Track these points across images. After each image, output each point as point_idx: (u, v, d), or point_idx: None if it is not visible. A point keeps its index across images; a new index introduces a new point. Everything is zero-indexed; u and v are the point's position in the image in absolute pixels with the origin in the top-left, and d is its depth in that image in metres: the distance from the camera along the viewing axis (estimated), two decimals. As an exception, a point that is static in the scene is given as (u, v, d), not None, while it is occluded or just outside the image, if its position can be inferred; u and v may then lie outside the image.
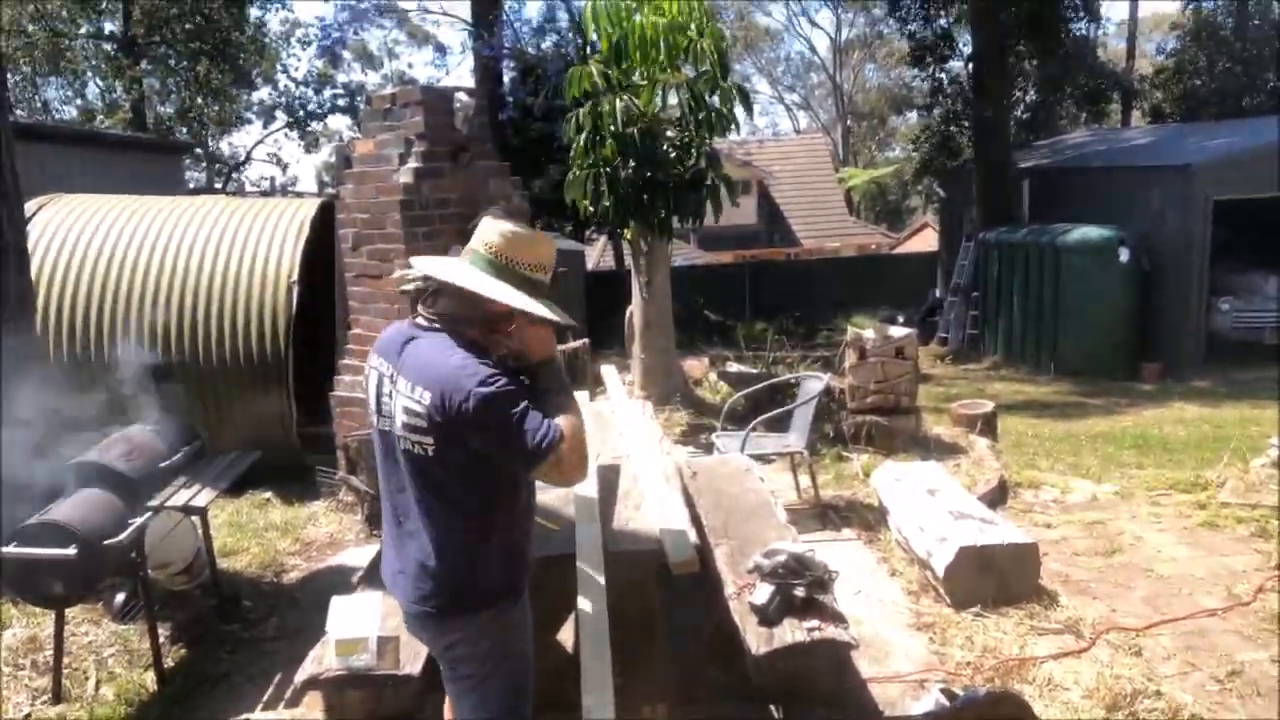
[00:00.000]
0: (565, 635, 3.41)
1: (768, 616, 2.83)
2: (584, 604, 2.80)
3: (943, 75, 20.36)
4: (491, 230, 2.31)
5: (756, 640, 2.77)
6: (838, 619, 2.90)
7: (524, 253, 2.30)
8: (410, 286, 6.10)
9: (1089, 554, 5.09)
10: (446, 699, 2.66)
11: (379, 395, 2.34)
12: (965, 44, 20.00)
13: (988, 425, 7.49)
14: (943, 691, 2.93)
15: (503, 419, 2.15)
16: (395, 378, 2.28)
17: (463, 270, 2.30)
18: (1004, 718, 2.58)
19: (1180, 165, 13.62)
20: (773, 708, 2.77)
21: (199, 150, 25.48)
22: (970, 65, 18.98)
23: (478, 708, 2.41)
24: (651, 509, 3.58)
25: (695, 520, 3.69)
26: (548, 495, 3.20)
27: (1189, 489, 6.16)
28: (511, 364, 2.32)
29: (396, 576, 2.40)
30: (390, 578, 2.43)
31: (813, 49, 41.90)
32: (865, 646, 3.79)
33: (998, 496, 5.98)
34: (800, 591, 2.91)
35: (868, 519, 5.59)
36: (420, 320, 2.34)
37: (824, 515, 5.70)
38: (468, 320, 2.29)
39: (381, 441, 2.37)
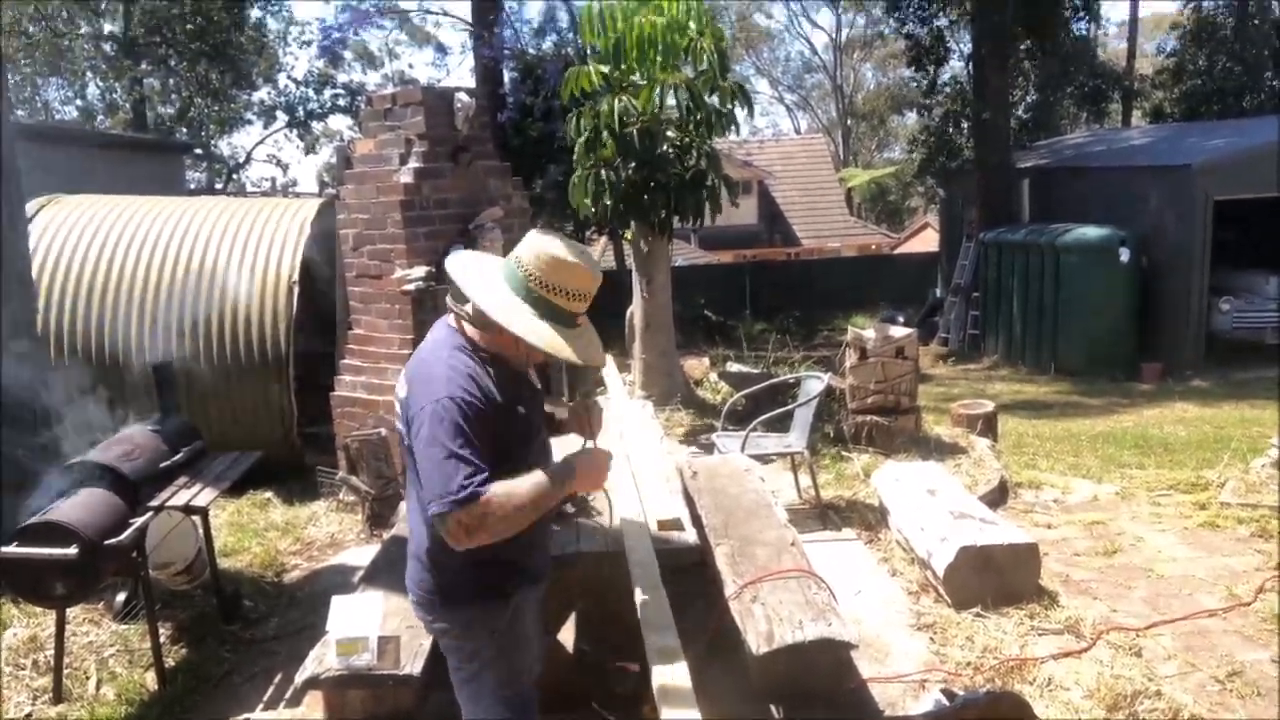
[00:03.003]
0: (565, 636, 3.41)
1: None
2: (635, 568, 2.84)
3: (940, 76, 20.36)
4: (533, 249, 2.21)
5: (757, 640, 2.77)
6: (838, 619, 2.90)
7: (554, 274, 2.18)
8: (411, 286, 6.14)
9: (1089, 554, 5.09)
10: None
11: None
12: (965, 44, 20.02)
13: (988, 425, 7.49)
14: (943, 691, 2.93)
15: (433, 441, 2.07)
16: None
17: (480, 276, 2.24)
18: (1004, 718, 2.58)
19: (1180, 165, 13.63)
20: (773, 707, 2.77)
21: (199, 151, 25.48)
22: (970, 65, 18.98)
23: (469, 703, 2.42)
24: (651, 504, 3.59)
25: (695, 520, 3.69)
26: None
27: (1189, 489, 6.16)
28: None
29: (408, 556, 2.43)
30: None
31: (813, 49, 41.90)
32: (866, 646, 3.79)
33: (998, 497, 5.98)
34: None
35: (868, 519, 5.59)
36: (449, 316, 2.32)
37: (824, 515, 5.70)
38: (485, 326, 2.23)
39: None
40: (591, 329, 2.31)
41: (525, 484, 2.12)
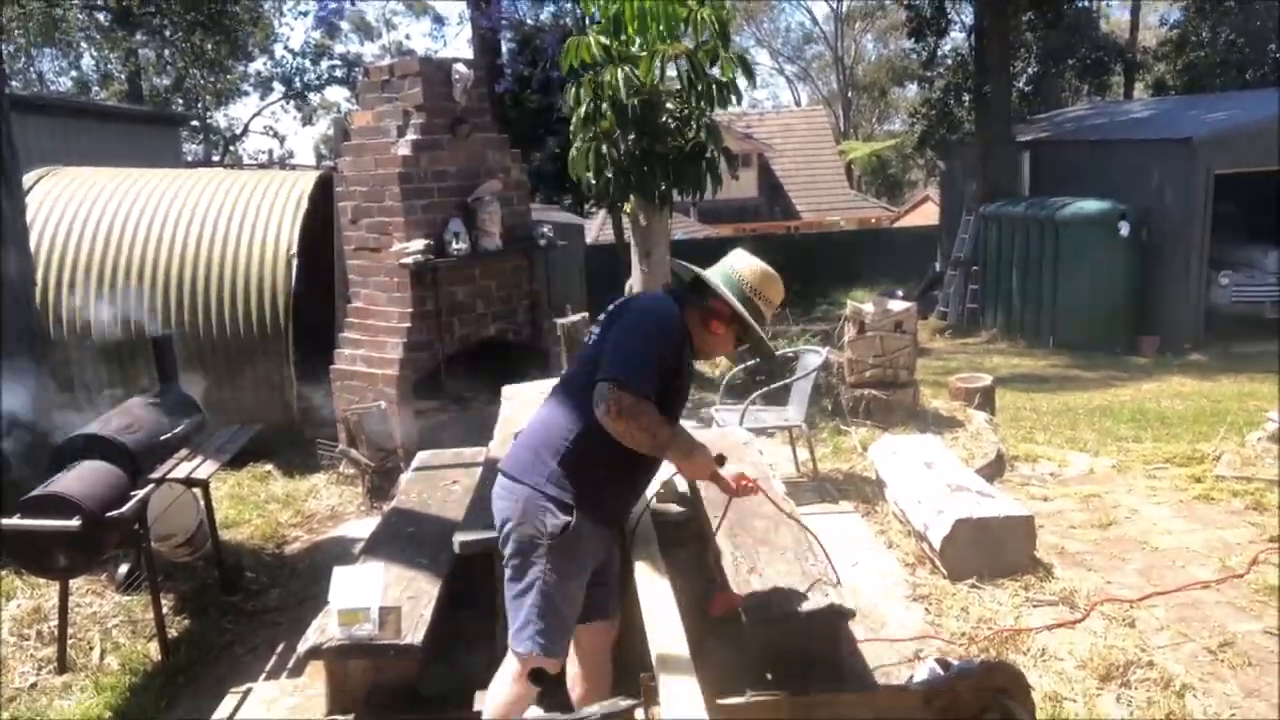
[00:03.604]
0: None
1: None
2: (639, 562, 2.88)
3: (942, 48, 20.23)
4: (745, 263, 2.68)
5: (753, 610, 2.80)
6: (835, 589, 2.93)
7: (760, 281, 2.66)
8: (410, 259, 6.14)
9: (1085, 526, 5.12)
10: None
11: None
12: (966, 15, 19.85)
13: (986, 399, 7.51)
14: (938, 661, 2.97)
15: (643, 338, 2.48)
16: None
17: (706, 274, 2.66)
18: (998, 687, 2.61)
19: (1182, 139, 13.57)
20: (769, 676, 2.80)
21: (196, 123, 25.32)
22: (971, 37, 18.85)
23: (510, 605, 2.56)
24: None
25: (694, 492, 3.71)
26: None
27: (1185, 462, 6.19)
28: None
29: (516, 445, 2.69)
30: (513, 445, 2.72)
31: (813, 20, 41.56)
32: (862, 617, 3.82)
33: (995, 470, 6.01)
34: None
35: (865, 492, 5.62)
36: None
37: (822, 488, 5.73)
38: (693, 305, 2.62)
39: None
40: None
41: (670, 427, 2.51)
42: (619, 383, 2.35)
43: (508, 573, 2.58)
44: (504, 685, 2.58)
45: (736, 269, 2.68)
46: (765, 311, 2.68)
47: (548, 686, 2.58)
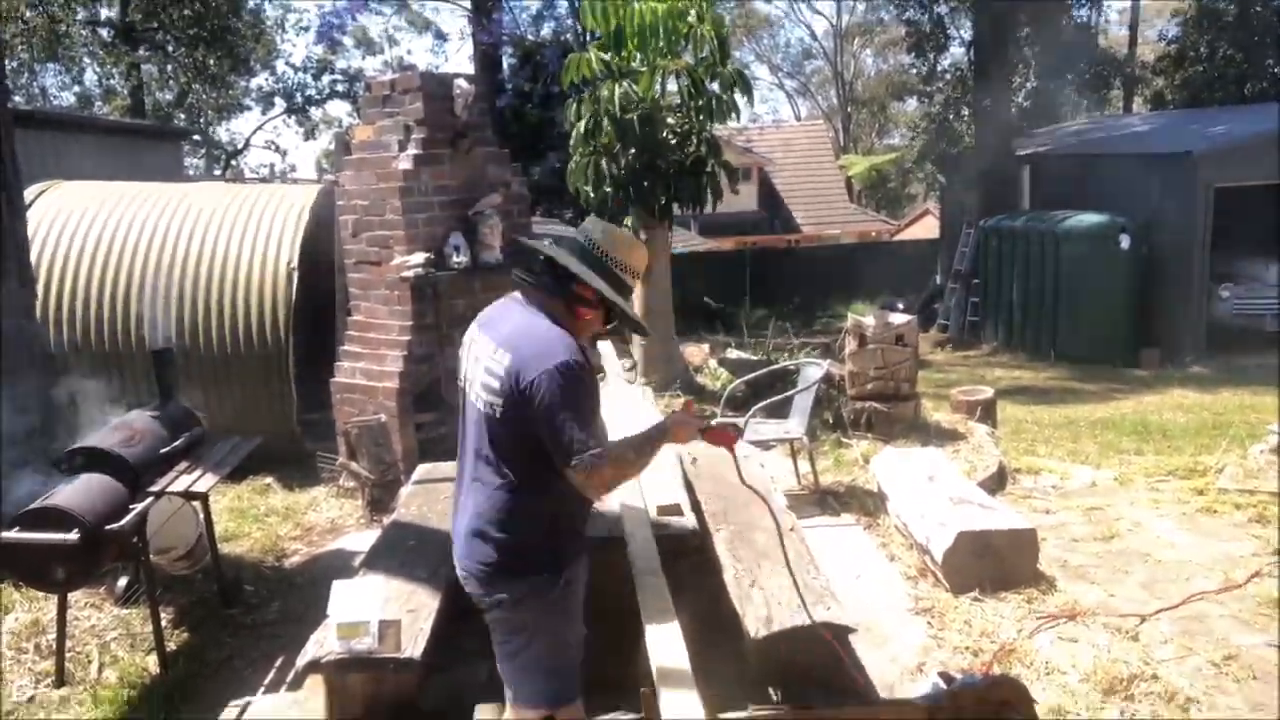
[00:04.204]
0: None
1: None
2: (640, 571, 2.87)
3: (941, 62, 20.31)
4: (594, 226, 2.51)
5: (756, 624, 2.79)
6: (837, 603, 2.92)
7: (618, 250, 2.46)
8: (410, 273, 6.14)
9: (1087, 539, 5.10)
10: None
11: (463, 358, 2.51)
12: (965, 30, 19.94)
13: (987, 412, 7.50)
14: (941, 675, 2.95)
15: (563, 403, 2.24)
16: (479, 340, 2.43)
17: (561, 253, 2.44)
18: (1001, 701, 2.60)
19: (1181, 152, 13.59)
20: (771, 690, 2.79)
21: (197, 137, 25.40)
22: (970, 51, 18.93)
23: (513, 680, 2.50)
24: (650, 491, 3.60)
25: (695, 506, 3.70)
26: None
27: (1188, 475, 6.17)
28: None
29: (456, 533, 2.51)
30: (454, 533, 2.54)
31: (813, 35, 41.72)
32: (864, 631, 3.80)
33: (997, 482, 6.00)
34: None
35: (867, 505, 5.60)
36: (516, 296, 2.48)
37: (823, 501, 5.71)
38: (553, 299, 2.41)
39: (462, 402, 2.51)
40: None
41: (634, 440, 2.43)
42: (582, 467, 2.24)
43: (497, 638, 2.50)
44: None
45: (593, 238, 2.46)
46: (629, 281, 2.49)
47: None
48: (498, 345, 2.35)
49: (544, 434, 2.27)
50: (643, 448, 2.42)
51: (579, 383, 2.27)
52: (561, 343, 2.30)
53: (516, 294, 2.49)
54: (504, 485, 2.37)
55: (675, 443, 2.55)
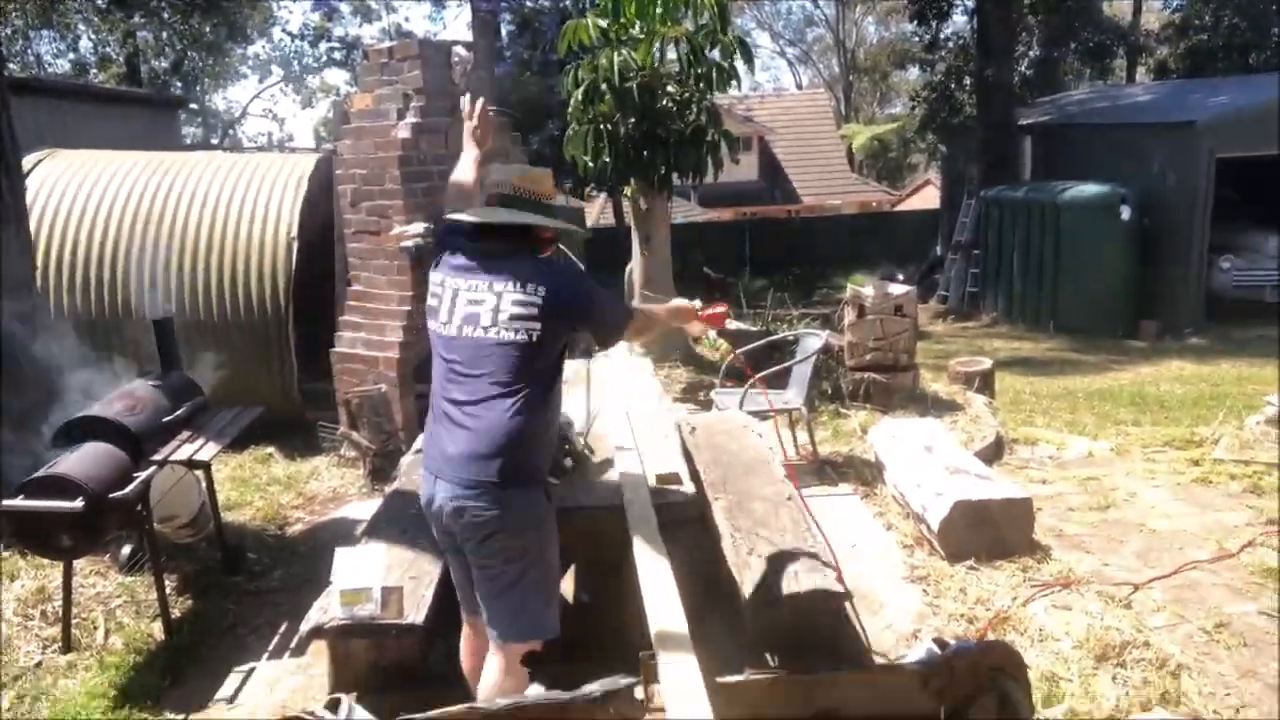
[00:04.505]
0: (565, 587, 3.46)
1: None
2: (640, 555, 2.90)
3: (943, 31, 20.12)
4: (506, 174, 2.81)
5: (752, 590, 2.82)
6: (834, 571, 2.95)
7: (537, 186, 2.79)
8: (410, 242, 6.13)
9: (1083, 509, 5.14)
10: (462, 640, 2.85)
11: (453, 305, 2.67)
12: (968, -2, 19.71)
13: (985, 382, 7.52)
14: (935, 641, 2.99)
15: (606, 303, 2.78)
16: (490, 285, 2.64)
17: (507, 214, 2.73)
18: (994, 666, 2.64)
19: (1184, 122, 13.53)
20: (768, 655, 2.83)
21: (194, 106, 25.22)
22: (973, 20, 18.75)
23: (508, 613, 2.58)
24: (650, 460, 3.63)
25: (694, 475, 3.73)
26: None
27: (1184, 446, 6.21)
28: None
29: (448, 463, 2.61)
30: (439, 466, 2.64)
31: (815, 2, 41.25)
32: (860, 598, 3.85)
33: (994, 453, 6.03)
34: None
35: (865, 474, 5.64)
36: (482, 248, 2.71)
37: (821, 471, 5.74)
38: (523, 242, 2.73)
39: (445, 345, 2.69)
40: None
41: (652, 307, 3.10)
42: (634, 319, 2.84)
43: (492, 571, 2.60)
44: (502, 680, 2.59)
45: (514, 185, 2.77)
46: (550, 202, 2.84)
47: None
48: (525, 281, 2.62)
49: (594, 322, 2.75)
50: (656, 313, 3.03)
51: (596, 285, 2.77)
52: (571, 267, 2.92)
53: (481, 248, 2.73)
54: (516, 404, 2.58)
55: (679, 321, 3.07)
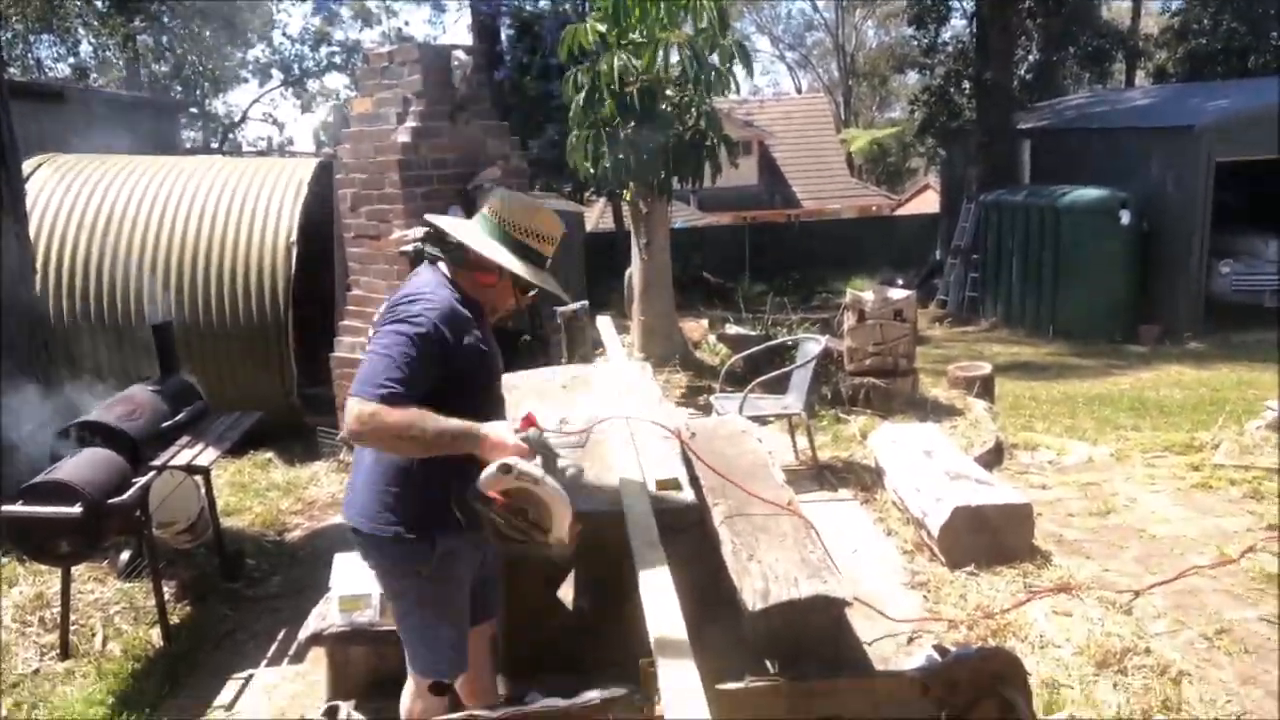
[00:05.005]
0: (564, 594, 3.46)
1: None
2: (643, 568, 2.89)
3: (942, 35, 20.16)
4: (504, 200, 2.50)
5: (753, 596, 2.81)
6: (834, 576, 2.95)
7: (520, 218, 2.44)
8: (409, 247, 6.12)
9: (1083, 514, 5.14)
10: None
11: None
12: (967, 2, 19.76)
13: (985, 387, 7.52)
14: (935, 648, 2.98)
15: (387, 346, 2.24)
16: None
17: (459, 224, 2.49)
18: (995, 673, 2.63)
19: (1183, 126, 13.54)
20: (768, 662, 2.82)
21: (194, 109, 25.23)
22: (972, 24, 18.78)
23: (405, 638, 2.51)
24: (649, 465, 3.62)
25: (693, 480, 3.72)
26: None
27: (1184, 451, 6.20)
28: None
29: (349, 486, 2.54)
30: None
31: (814, 6, 41.36)
32: (860, 604, 3.84)
33: (993, 458, 6.02)
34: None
35: (865, 480, 5.63)
36: (440, 266, 2.50)
37: (821, 476, 5.74)
38: (458, 269, 2.46)
39: None
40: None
41: (438, 420, 2.19)
42: (356, 396, 2.20)
43: (391, 605, 2.56)
44: (413, 702, 2.58)
45: (495, 209, 2.46)
46: (539, 248, 2.45)
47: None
48: (386, 304, 2.43)
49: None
50: (442, 433, 2.19)
51: (413, 338, 2.22)
52: (425, 304, 2.29)
53: (441, 264, 2.49)
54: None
55: (480, 453, 2.23)
